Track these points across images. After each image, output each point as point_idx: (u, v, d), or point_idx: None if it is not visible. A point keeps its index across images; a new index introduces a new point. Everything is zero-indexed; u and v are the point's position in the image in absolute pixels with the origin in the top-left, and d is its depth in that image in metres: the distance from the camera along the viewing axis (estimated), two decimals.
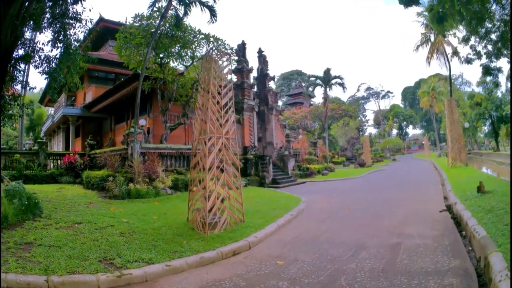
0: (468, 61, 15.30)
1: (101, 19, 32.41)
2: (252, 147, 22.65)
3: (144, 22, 19.14)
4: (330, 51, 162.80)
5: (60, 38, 13.05)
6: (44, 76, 12.89)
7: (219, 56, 9.89)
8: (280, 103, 79.14)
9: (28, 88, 13.99)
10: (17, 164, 18.75)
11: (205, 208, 7.85)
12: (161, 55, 19.59)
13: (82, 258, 5.52)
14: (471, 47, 14.87)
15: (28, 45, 12.85)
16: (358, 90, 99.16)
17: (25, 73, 21.34)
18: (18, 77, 12.81)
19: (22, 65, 13.85)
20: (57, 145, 39.40)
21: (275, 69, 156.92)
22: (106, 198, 12.57)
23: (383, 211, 9.96)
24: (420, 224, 8.02)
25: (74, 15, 12.86)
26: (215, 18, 18.35)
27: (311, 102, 63.13)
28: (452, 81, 29.48)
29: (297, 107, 56.79)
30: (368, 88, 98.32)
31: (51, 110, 42.52)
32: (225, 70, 9.82)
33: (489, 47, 14.25)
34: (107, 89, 28.65)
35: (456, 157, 22.87)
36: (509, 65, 15.48)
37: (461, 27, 13.99)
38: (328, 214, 10.15)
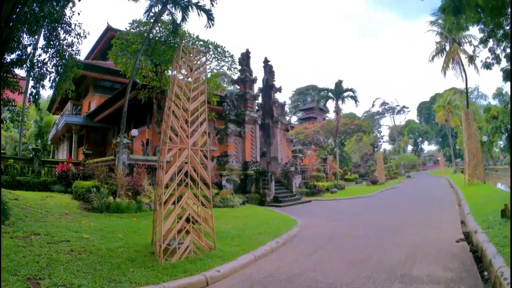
0: (487, 65, 13.72)
1: (109, 28, 32.06)
2: (253, 162, 21.16)
3: (141, 28, 18.14)
4: (346, 66, 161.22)
5: (51, 43, 12.78)
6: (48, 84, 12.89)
7: (193, 52, 8.52)
8: (294, 118, 78.28)
9: (29, 94, 13.19)
10: (10, 170, 18.35)
11: (161, 231, 6.48)
12: (157, 63, 18.43)
13: (12, 273, 5.06)
14: (489, 50, 13.39)
15: (21, 50, 12.44)
16: (373, 105, 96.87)
17: (28, 81, 20.86)
18: (12, 83, 12.19)
19: (19, 71, 13.57)
20: (62, 153, 39.22)
21: (291, 84, 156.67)
22: (85, 210, 11.75)
23: (388, 240, 8.27)
24: (431, 260, 6.33)
25: (63, 18, 12.64)
26: (212, 22, 17.36)
27: (325, 117, 61.60)
28: (468, 93, 27.92)
29: (310, 122, 55.33)
30: (383, 103, 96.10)
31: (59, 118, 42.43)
32: (197, 70, 8.50)
33: (508, 50, 13.01)
34: (107, 99, 27.94)
35: (473, 173, 20.95)
36: (510, 66, 13.94)
37: (476, 30, 12.71)
38: (322, 242, 8.51)
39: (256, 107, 25.27)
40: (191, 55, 8.37)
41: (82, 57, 41.71)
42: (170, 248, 6.56)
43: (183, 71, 8.16)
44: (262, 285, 5.50)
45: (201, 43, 18.83)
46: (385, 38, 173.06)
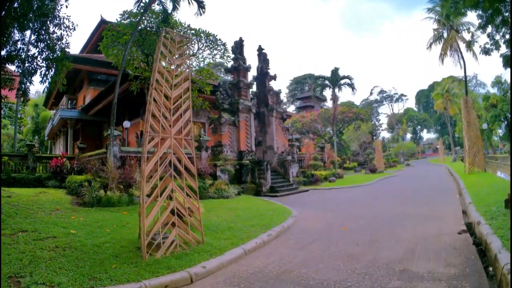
0: (486, 51, 13.40)
1: (102, 21, 31.35)
2: (248, 151, 20.71)
3: (133, 19, 17.52)
4: (343, 56, 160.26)
5: (41, 37, 12.80)
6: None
7: (176, 37, 8.02)
8: (292, 107, 77.57)
9: (17, 90, 12.99)
10: (5, 167, 18.16)
11: (143, 225, 6.12)
12: (148, 53, 17.85)
13: None
14: (488, 35, 13.04)
15: (11, 45, 12.62)
16: (371, 94, 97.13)
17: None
18: (4, 79, 12.39)
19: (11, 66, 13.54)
20: (59, 149, 38.91)
21: (288, 75, 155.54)
22: (76, 205, 11.49)
23: (386, 233, 7.86)
24: (431, 254, 5.93)
25: (53, 12, 12.69)
26: (203, 10, 16.86)
27: (323, 106, 61.04)
28: (467, 81, 27.66)
29: (307, 111, 54.76)
30: (381, 91, 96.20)
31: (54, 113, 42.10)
32: (180, 56, 8.01)
33: (508, 36, 12.65)
34: (99, 91, 27.41)
35: (473, 162, 20.56)
36: (510, 52, 13.61)
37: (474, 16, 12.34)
38: (317, 235, 8.12)
39: (251, 96, 24.75)
40: (174, 41, 7.90)
41: (77, 51, 41.16)
42: (155, 242, 6.17)
43: (167, 58, 7.67)
44: (250, 283, 5.11)
45: (193, 32, 18.26)
46: (383, 28, 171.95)
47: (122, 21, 17.49)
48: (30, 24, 12.49)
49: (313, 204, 14.43)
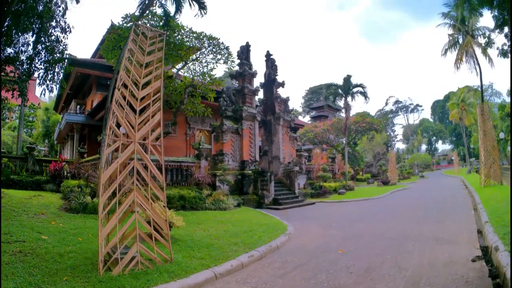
0: (504, 53, 12.39)
1: (113, 26, 31.05)
2: (252, 161, 19.75)
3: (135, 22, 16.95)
4: (359, 63, 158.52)
5: (39, 39, 12.76)
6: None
7: (149, 33, 7.27)
8: (308, 118, 76.08)
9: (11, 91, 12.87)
10: (5, 168, 17.94)
11: (100, 238, 5.50)
12: None
13: None
14: (505, 36, 12.02)
15: (12, 47, 12.74)
16: (386, 104, 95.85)
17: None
18: (5, 81, 12.45)
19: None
20: (67, 153, 38.93)
21: (304, 83, 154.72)
22: (64, 211, 11.17)
23: (388, 258, 6.70)
24: None
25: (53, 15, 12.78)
26: (204, 11, 16.34)
27: (337, 115, 59.77)
28: (481, 94, 26.62)
29: (321, 121, 53.56)
30: (397, 102, 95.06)
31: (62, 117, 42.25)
32: (152, 53, 7.22)
33: None
34: (104, 96, 26.98)
35: (489, 174, 19.08)
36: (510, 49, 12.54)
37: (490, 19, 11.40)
38: (307, 257, 7.04)
39: (258, 103, 23.90)
40: (146, 36, 7.17)
41: (88, 55, 41.23)
42: (114, 257, 5.58)
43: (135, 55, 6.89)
44: None
45: (195, 35, 17.60)
46: (398, 37, 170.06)
47: (125, 24, 16.98)
48: (28, 26, 12.29)
49: (315, 218, 13.31)
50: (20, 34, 12.74)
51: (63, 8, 14.00)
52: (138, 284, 5.01)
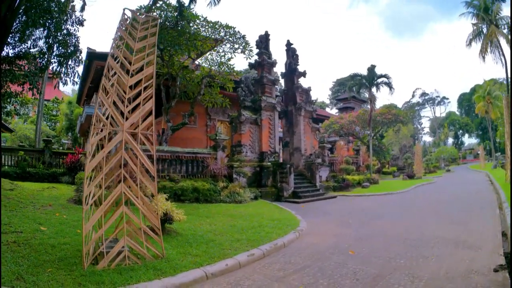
0: None
1: (126, 19, 31.12)
2: (271, 152, 19.23)
3: (152, 13, 16.70)
4: (385, 56, 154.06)
5: (51, 34, 12.65)
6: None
7: (140, 18, 6.91)
8: (334, 110, 74.46)
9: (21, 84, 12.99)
10: (21, 161, 18.47)
11: (84, 230, 5.29)
12: (161, 48, 16.90)
13: None
14: None
15: (25, 42, 12.64)
16: (413, 96, 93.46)
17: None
18: (18, 75, 12.27)
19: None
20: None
21: (332, 76, 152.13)
22: (72, 203, 11.06)
23: (401, 264, 6.05)
24: None
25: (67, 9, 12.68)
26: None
27: (363, 107, 58.18)
28: (507, 86, 25.28)
29: (347, 113, 52.24)
30: (423, 94, 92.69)
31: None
32: (144, 39, 6.83)
33: None
34: None
35: None
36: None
37: None
38: (313, 259, 6.53)
39: (278, 93, 23.29)
40: (138, 22, 6.79)
41: (108, 49, 41.86)
42: (102, 251, 5.47)
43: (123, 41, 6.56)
44: None
45: (210, 24, 17.19)
46: (425, 30, 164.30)
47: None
48: (37, 21, 12.12)
49: (332, 214, 12.71)
50: (31, 29, 12.56)
51: (82, 2, 14.22)
52: (119, 280, 4.77)
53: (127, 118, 6.10)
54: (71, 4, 15.16)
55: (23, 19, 12.69)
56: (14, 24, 12.27)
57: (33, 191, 11.89)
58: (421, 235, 8.33)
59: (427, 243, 7.51)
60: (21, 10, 12.19)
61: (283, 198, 17.04)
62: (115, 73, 6.20)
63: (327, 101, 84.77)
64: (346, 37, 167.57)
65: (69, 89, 43.42)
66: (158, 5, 16.43)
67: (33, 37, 13.02)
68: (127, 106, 6.20)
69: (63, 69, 13.46)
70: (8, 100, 13.81)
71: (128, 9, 6.98)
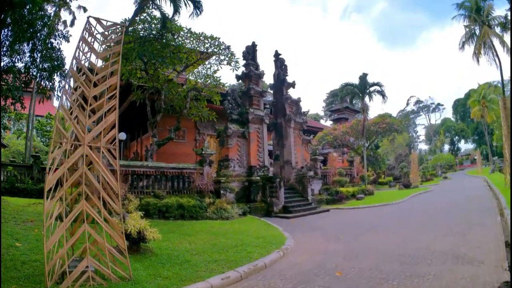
0: None
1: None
2: (260, 166, 18.57)
3: (137, 26, 16.30)
4: (378, 66, 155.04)
5: (36, 47, 12.81)
6: None
7: (105, 26, 6.44)
8: (329, 122, 74.13)
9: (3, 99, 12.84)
10: (10, 176, 18.03)
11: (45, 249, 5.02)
12: (145, 61, 16.44)
13: None
14: None
15: (9, 57, 12.73)
16: (407, 104, 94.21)
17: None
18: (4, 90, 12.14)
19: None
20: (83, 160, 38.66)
21: (326, 88, 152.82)
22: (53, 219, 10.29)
23: (393, 286, 5.39)
24: None
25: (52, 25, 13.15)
26: (199, 10, 15.59)
27: (357, 117, 57.86)
28: (501, 88, 25.17)
29: (341, 124, 51.84)
30: (418, 101, 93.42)
31: None
32: (109, 47, 6.41)
33: None
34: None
35: None
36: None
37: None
38: (296, 281, 5.83)
39: (267, 106, 22.80)
40: (104, 30, 6.35)
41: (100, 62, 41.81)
42: (65, 271, 5.16)
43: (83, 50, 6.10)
44: None
45: (194, 36, 16.79)
46: (417, 38, 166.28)
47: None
48: (19, 34, 12.21)
49: (323, 228, 11.99)
50: (19, 44, 12.63)
51: (72, 17, 14.23)
52: None
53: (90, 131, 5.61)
54: (61, 20, 15.09)
55: (9, 34, 12.51)
56: (2, 37, 12.14)
57: (19, 207, 11.56)
58: (417, 250, 7.65)
59: (423, 259, 6.83)
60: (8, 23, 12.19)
61: (273, 214, 16.32)
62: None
63: (321, 113, 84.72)
64: (339, 48, 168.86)
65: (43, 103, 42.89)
66: (142, 17, 16.02)
67: (20, 52, 12.88)
68: (90, 117, 5.79)
69: (49, 84, 13.32)
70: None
71: (92, 17, 6.58)
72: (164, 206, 13.25)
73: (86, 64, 6.24)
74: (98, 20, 6.58)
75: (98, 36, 6.45)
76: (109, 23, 6.58)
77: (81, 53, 6.19)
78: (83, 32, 6.27)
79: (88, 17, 6.37)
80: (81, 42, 6.24)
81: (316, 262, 7.18)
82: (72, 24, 20.31)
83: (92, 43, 6.27)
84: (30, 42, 12.93)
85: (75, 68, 6.08)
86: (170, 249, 7.78)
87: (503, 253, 6.57)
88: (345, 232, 11.04)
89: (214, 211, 14.12)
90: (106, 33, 6.56)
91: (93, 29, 6.43)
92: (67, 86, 6.10)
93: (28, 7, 12.20)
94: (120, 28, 6.95)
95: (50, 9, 15.81)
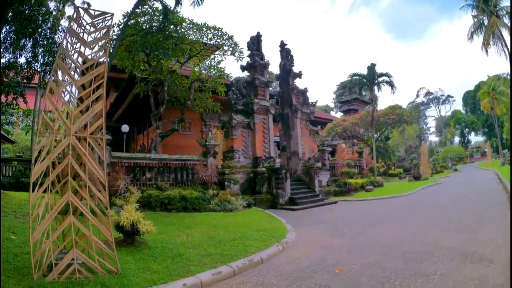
0: None
1: (113, 26, 30.71)
2: (266, 158, 18.24)
3: (139, 19, 16.05)
4: (388, 57, 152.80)
5: (38, 42, 13.03)
6: None
7: (92, 15, 6.24)
8: (339, 114, 73.17)
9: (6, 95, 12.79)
10: (15, 171, 18.69)
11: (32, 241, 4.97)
12: (148, 53, 16.17)
13: None
14: None
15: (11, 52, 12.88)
16: (417, 96, 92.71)
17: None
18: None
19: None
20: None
21: (336, 80, 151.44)
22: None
23: (395, 286, 5.02)
24: None
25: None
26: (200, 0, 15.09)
27: (366, 108, 57.10)
28: (510, 79, 24.57)
29: (351, 115, 51.15)
30: (428, 93, 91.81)
31: None
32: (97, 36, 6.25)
33: None
34: (115, 96, 26.41)
35: None
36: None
37: None
38: (291, 278, 5.51)
39: (275, 97, 22.41)
40: (92, 19, 6.16)
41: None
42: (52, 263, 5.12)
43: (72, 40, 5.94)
44: None
45: (197, 26, 16.47)
46: (425, 31, 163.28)
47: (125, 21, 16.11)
48: (19, 30, 12.28)
49: (328, 221, 11.64)
50: (23, 40, 12.82)
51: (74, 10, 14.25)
52: None
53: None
54: (66, 15, 15.06)
55: (10, 29, 12.59)
56: (3, 34, 12.30)
57: (21, 201, 11.48)
58: (424, 246, 7.24)
59: (430, 256, 6.42)
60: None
61: (279, 205, 16.03)
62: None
63: (332, 105, 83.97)
64: (349, 41, 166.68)
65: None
66: (144, 9, 15.74)
67: (22, 47, 13.07)
68: (78, 106, 5.66)
69: (52, 78, 13.23)
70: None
71: (80, 7, 6.65)
72: (167, 198, 13.09)
73: (76, 55, 6.09)
74: (86, 10, 6.57)
75: (88, 26, 6.34)
76: (97, 13, 6.46)
77: (69, 44, 6.06)
78: (70, 22, 6.16)
79: (76, 7, 6.30)
80: (67, 32, 6.16)
81: (317, 257, 6.85)
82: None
83: (80, 33, 6.17)
84: (32, 37, 12.89)
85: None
86: (165, 242, 7.59)
87: None
88: (351, 225, 10.69)
89: (218, 203, 13.89)
90: (96, 22, 6.46)
91: (81, 19, 6.35)
92: (54, 77, 5.94)
93: (28, 3, 12.13)
94: (108, 17, 6.74)
95: (53, 5, 15.75)
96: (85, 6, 20.27)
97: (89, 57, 6.17)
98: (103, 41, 6.35)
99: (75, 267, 5.08)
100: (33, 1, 12.23)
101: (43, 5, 13.08)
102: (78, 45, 6.10)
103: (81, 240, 5.57)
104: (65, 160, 5.33)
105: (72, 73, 5.87)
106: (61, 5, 16.45)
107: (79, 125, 5.43)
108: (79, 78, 5.83)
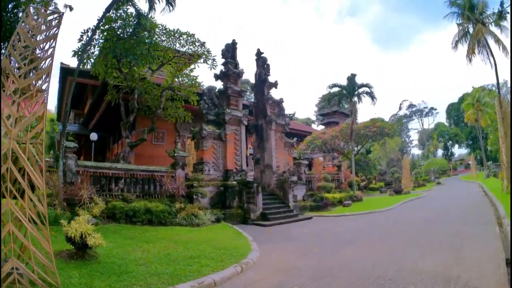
0: None
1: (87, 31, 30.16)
2: (237, 170, 17.61)
3: (114, 24, 15.42)
4: (372, 69, 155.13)
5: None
6: None
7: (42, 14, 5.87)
8: (321, 127, 73.18)
9: None
10: None
11: None
12: (118, 58, 15.54)
13: None
14: None
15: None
16: (400, 108, 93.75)
17: None
18: None
19: None
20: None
21: (319, 91, 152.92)
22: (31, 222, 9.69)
23: None
24: None
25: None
26: (171, 6, 14.69)
27: (347, 121, 57.24)
28: (497, 88, 24.72)
29: (331, 127, 51.11)
30: (411, 106, 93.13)
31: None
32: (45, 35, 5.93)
33: None
34: (89, 104, 25.65)
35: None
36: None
37: None
38: None
39: (249, 106, 21.92)
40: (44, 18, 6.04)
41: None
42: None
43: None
44: None
45: (169, 32, 15.97)
46: (410, 42, 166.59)
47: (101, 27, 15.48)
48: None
49: (298, 239, 11.03)
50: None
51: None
52: None
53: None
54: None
55: None
56: None
57: None
58: (400, 269, 6.61)
59: (406, 283, 5.75)
60: None
61: (250, 221, 15.35)
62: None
63: (314, 118, 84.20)
64: (334, 52, 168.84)
65: (52, 106, 43.55)
66: (119, 14, 15.16)
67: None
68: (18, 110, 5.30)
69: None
70: None
71: (32, 6, 6.63)
72: (131, 210, 12.46)
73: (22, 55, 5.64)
74: (37, 9, 6.49)
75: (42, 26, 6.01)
76: (48, 12, 6.28)
77: (18, 43, 5.68)
78: (20, 21, 5.91)
79: (29, 6, 6.26)
80: (16, 31, 5.79)
81: (276, 282, 6.20)
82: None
83: (30, 33, 5.92)
84: (7, 41, 12.38)
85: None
86: (118, 257, 7.04)
87: (504, 275, 5.48)
88: (322, 243, 10.12)
89: (185, 217, 13.22)
90: (47, 20, 6.15)
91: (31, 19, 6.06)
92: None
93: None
94: (57, 17, 6.34)
95: (32, 9, 15.08)
96: (67, 9, 19.62)
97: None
98: (51, 41, 5.97)
99: (14, 277, 4.94)
100: (10, 6, 11.78)
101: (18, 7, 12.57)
102: (24, 43, 5.71)
103: (23, 250, 5.37)
104: (6, 165, 5.02)
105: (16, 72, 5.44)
106: (43, 9, 15.88)
107: (20, 128, 5.18)
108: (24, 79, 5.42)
